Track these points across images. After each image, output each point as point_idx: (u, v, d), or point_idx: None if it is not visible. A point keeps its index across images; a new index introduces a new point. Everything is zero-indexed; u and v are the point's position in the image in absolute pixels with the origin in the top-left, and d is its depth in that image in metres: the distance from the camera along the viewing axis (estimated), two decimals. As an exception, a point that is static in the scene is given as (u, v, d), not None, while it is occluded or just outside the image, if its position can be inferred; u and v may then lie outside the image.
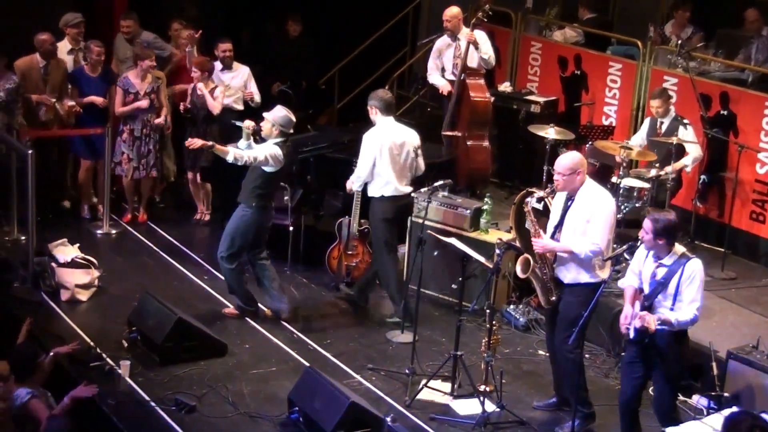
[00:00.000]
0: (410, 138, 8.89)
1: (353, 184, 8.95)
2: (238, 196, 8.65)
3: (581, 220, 7.12)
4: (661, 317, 6.41)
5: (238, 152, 8.40)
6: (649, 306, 6.50)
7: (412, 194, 9.28)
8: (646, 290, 6.54)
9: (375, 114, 8.83)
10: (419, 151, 8.97)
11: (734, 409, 7.03)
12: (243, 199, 8.60)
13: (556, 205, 7.36)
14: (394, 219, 8.94)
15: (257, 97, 11.04)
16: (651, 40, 11.35)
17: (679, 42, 10.81)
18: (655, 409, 6.87)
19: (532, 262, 7.21)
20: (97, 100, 10.55)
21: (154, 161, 10.75)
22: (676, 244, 6.53)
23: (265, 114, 8.62)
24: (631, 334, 6.53)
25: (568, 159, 7.18)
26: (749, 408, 7.23)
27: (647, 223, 6.48)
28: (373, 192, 8.89)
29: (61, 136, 10.74)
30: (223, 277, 8.92)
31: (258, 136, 8.67)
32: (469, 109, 10.61)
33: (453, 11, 10.74)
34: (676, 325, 6.42)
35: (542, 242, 7.22)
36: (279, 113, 8.53)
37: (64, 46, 10.84)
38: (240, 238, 8.59)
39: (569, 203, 7.21)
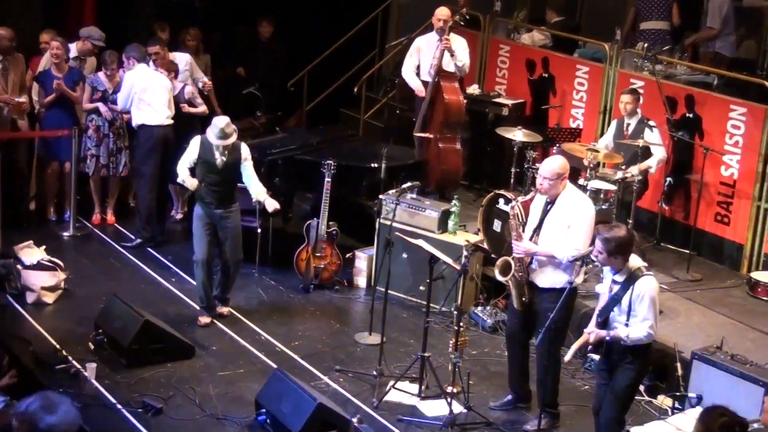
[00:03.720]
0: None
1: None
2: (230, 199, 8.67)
3: (562, 225, 7.14)
4: (610, 333, 6.43)
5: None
6: (604, 320, 6.51)
7: (381, 196, 9.31)
8: (602, 303, 6.58)
9: (132, 64, 10.11)
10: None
11: (699, 410, 7.11)
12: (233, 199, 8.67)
13: (535, 208, 7.38)
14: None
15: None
16: (617, 43, 11.43)
17: (646, 45, 10.88)
18: (602, 414, 6.71)
19: (513, 265, 7.22)
20: (66, 92, 10.44)
21: (126, 160, 10.69)
22: (631, 259, 6.47)
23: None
24: (589, 348, 6.61)
25: (555, 164, 7.18)
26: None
27: (599, 244, 6.42)
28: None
29: (27, 137, 10.66)
30: (231, 279, 8.89)
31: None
32: (442, 110, 10.62)
33: (446, 12, 10.66)
34: (628, 342, 6.41)
35: (524, 246, 7.22)
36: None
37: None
38: None
39: (549, 207, 7.22)
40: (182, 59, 11.03)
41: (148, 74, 10.25)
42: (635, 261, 6.51)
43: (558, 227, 7.16)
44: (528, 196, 7.52)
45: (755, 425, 5.95)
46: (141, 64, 10.27)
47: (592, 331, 6.50)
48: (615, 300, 6.47)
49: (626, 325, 6.42)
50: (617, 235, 6.39)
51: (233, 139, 8.50)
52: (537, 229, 7.26)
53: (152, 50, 10.44)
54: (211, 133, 8.46)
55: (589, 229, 7.15)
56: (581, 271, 7.25)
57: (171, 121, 10.29)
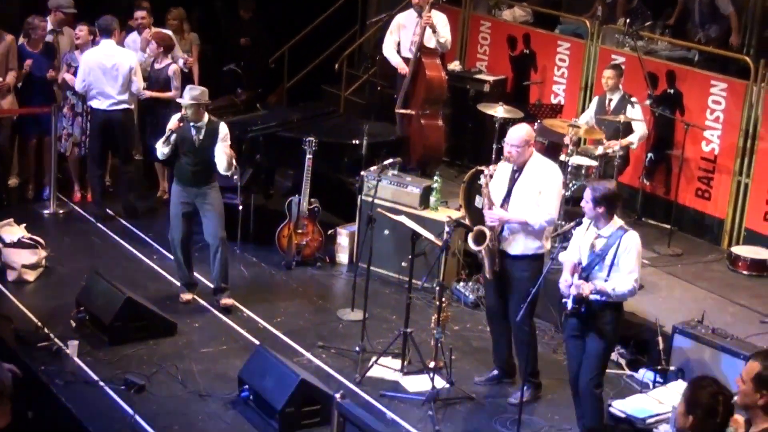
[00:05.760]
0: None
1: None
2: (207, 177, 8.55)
3: (532, 192, 7.17)
4: (597, 286, 6.47)
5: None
6: (586, 277, 6.53)
7: (362, 173, 9.30)
8: (584, 262, 6.60)
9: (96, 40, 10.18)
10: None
11: (681, 383, 7.16)
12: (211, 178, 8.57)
13: (499, 177, 7.38)
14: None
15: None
16: (598, 19, 11.42)
17: (627, 21, 10.88)
18: (580, 379, 6.72)
19: (488, 234, 7.23)
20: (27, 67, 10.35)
21: None
22: (615, 217, 6.58)
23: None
24: (569, 305, 6.57)
25: (522, 131, 7.23)
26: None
27: (587, 192, 6.55)
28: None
29: (6, 114, 10.58)
30: (219, 262, 8.66)
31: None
32: (424, 87, 10.59)
33: None
34: (613, 295, 6.46)
35: (497, 213, 7.24)
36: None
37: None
38: None
39: (517, 175, 7.26)
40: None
41: (106, 54, 10.08)
42: (618, 220, 6.61)
43: (528, 194, 7.19)
44: (498, 165, 7.52)
45: (735, 398, 6.00)
46: (104, 40, 10.11)
47: (578, 284, 6.48)
48: (600, 255, 6.51)
49: (606, 280, 6.47)
50: (605, 186, 6.56)
51: (201, 100, 8.33)
52: (506, 198, 7.29)
53: (137, 15, 10.38)
54: (186, 94, 8.39)
55: (559, 194, 7.30)
56: (549, 238, 7.37)
57: (125, 106, 10.18)
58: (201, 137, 8.41)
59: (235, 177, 9.45)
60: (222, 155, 8.38)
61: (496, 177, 7.41)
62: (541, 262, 7.28)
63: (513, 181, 7.27)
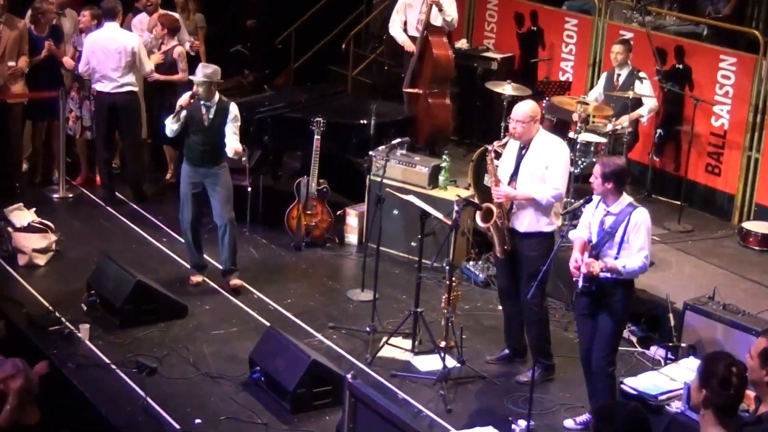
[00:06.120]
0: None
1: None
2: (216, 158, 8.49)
3: (539, 167, 7.16)
4: (608, 264, 6.45)
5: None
6: (596, 255, 6.52)
7: (370, 153, 9.29)
8: (594, 239, 6.58)
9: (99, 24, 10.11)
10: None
11: (693, 359, 7.14)
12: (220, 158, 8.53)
13: (507, 154, 7.37)
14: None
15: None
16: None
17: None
18: (592, 357, 6.72)
19: (495, 211, 7.22)
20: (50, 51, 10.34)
21: None
22: (624, 194, 6.56)
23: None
24: (580, 284, 6.56)
25: (526, 107, 7.23)
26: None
27: (596, 168, 6.53)
28: None
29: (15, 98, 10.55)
30: (228, 243, 8.63)
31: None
32: (431, 65, 10.55)
33: None
34: (624, 272, 6.44)
35: (503, 190, 7.24)
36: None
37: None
38: None
39: (523, 152, 7.24)
40: None
41: (109, 36, 10.05)
42: (628, 197, 6.58)
43: (535, 170, 7.18)
44: (503, 141, 7.50)
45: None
46: (108, 23, 10.08)
47: (589, 262, 6.46)
48: (610, 233, 6.49)
49: (616, 258, 6.45)
50: (615, 162, 6.56)
51: (214, 78, 8.31)
52: (514, 175, 7.28)
53: None
54: (199, 71, 8.36)
55: (566, 169, 7.29)
56: (559, 216, 7.35)
57: (129, 88, 10.13)
58: (211, 116, 8.38)
59: (244, 159, 9.43)
60: (232, 136, 8.37)
61: (505, 154, 7.40)
62: (552, 240, 7.26)
63: (520, 157, 7.26)
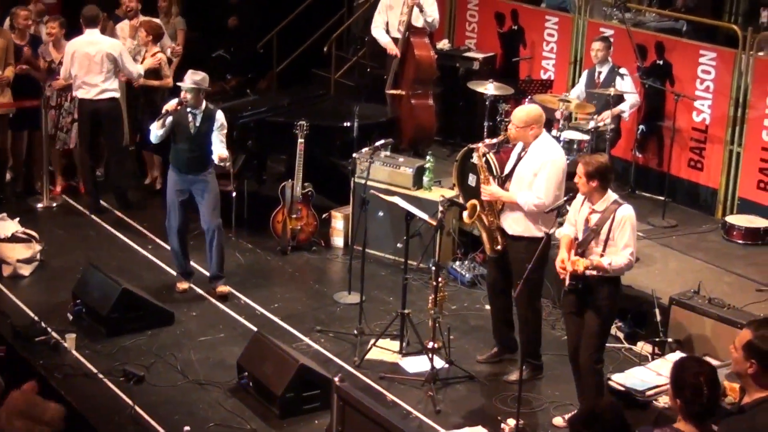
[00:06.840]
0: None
1: None
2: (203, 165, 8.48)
3: (529, 173, 7.17)
4: (594, 262, 6.46)
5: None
6: (582, 252, 6.53)
7: (354, 155, 9.30)
8: (580, 237, 6.59)
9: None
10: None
11: (679, 354, 7.17)
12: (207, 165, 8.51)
13: (513, 155, 7.39)
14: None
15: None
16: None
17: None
18: (580, 355, 6.74)
19: (478, 207, 7.25)
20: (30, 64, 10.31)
21: (75, 133, 10.50)
22: (609, 191, 6.57)
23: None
24: (566, 282, 6.57)
25: (523, 112, 7.25)
26: (692, 352, 7.37)
27: (579, 167, 6.54)
28: None
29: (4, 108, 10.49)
30: (215, 250, 8.64)
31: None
32: (413, 67, 10.57)
33: None
34: (610, 270, 6.44)
35: (490, 189, 7.27)
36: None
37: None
38: None
39: (522, 155, 7.27)
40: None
41: (90, 42, 10.00)
42: (612, 195, 6.59)
43: (525, 175, 7.19)
44: (494, 140, 7.51)
45: (726, 370, 6.02)
46: (89, 30, 10.02)
47: (575, 260, 6.47)
48: (595, 230, 6.50)
49: (602, 255, 6.46)
50: (598, 160, 6.56)
51: (202, 85, 8.30)
52: (509, 176, 7.29)
53: (125, 1, 10.31)
54: (188, 78, 8.33)
55: (556, 179, 7.15)
56: (552, 222, 7.29)
57: (111, 94, 10.07)
58: (198, 124, 8.36)
59: (228, 164, 9.40)
60: (219, 144, 8.36)
61: (512, 155, 7.39)
62: (539, 246, 7.05)
63: (518, 160, 7.28)
